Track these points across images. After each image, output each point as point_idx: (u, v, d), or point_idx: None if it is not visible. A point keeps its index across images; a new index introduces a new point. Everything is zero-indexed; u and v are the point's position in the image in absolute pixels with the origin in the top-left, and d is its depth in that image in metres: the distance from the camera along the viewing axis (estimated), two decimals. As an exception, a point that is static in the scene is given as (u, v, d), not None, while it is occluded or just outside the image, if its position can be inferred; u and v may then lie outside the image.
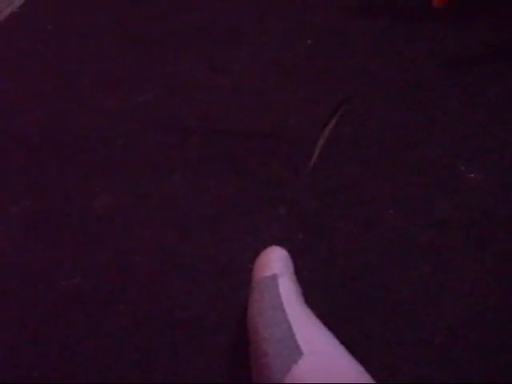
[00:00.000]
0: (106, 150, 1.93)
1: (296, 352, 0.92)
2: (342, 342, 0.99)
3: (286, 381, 0.89)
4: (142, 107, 2.07)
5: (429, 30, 2.22)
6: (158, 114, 2.03)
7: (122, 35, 2.51)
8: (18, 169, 1.93)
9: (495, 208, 1.52)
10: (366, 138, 1.79)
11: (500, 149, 1.68)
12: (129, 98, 2.13)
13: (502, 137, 1.72)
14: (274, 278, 1.11)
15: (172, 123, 1.99)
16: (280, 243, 1.37)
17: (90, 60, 2.40)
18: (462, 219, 1.50)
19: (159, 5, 2.65)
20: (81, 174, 1.86)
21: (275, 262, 1.18)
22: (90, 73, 2.32)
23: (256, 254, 1.32)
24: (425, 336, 1.29)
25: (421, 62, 2.06)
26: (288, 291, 1.09)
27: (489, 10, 2.24)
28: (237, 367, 1.27)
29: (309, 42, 2.22)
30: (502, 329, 1.28)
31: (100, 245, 1.62)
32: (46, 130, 2.05)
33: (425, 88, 1.95)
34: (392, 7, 2.36)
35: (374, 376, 0.93)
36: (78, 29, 2.63)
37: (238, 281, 1.41)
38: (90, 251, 1.61)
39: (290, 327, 0.98)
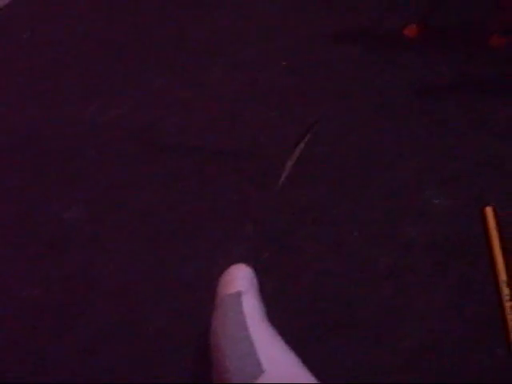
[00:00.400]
0: (79, 162, 1.93)
1: (257, 369, 0.93)
2: (304, 361, 1.00)
3: (247, 397, 0.90)
4: (117, 120, 2.07)
5: (400, 58, 2.26)
6: (132, 127, 2.04)
7: (99, 47, 2.51)
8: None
9: (458, 233, 1.55)
10: (334, 160, 1.82)
11: (465, 176, 1.72)
12: (103, 110, 2.13)
13: (467, 164, 1.76)
14: (238, 295, 1.12)
15: (145, 137, 1.99)
16: (246, 261, 1.37)
17: (65, 71, 2.40)
18: (425, 243, 1.53)
19: (136, 19, 2.66)
20: (53, 185, 1.85)
21: (240, 280, 1.19)
22: (65, 84, 2.32)
23: (222, 270, 1.33)
24: (386, 357, 1.30)
25: (391, 88, 2.10)
26: (251, 309, 1.10)
27: (456, 42, 2.31)
28: (199, 382, 1.28)
29: (284, 63, 2.25)
30: (462, 352, 1.30)
31: (68, 255, 1.62)
32: (19, 140, 2.04)
33: (394, 114, 1.99)
34: (366, 35, 2.41)
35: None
36: (54, 39, 2.63)
37: (204, 297, 1.39)
38: (57, 261, 1.60)
39: (251, 344, 0.99)
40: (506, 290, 1.40)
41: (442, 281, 1.44)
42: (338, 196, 1.69)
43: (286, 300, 1.42)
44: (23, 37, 2.62)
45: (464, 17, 2.43)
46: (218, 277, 1.31)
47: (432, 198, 1.65)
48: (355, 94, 2.08)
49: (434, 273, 1.46)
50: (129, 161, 1.90)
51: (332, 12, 2.56)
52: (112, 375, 1.32)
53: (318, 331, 1.36)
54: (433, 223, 1.59)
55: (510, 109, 1.95)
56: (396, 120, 1.96)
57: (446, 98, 2.04)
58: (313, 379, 0.95)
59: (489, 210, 1.59)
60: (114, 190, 1.80)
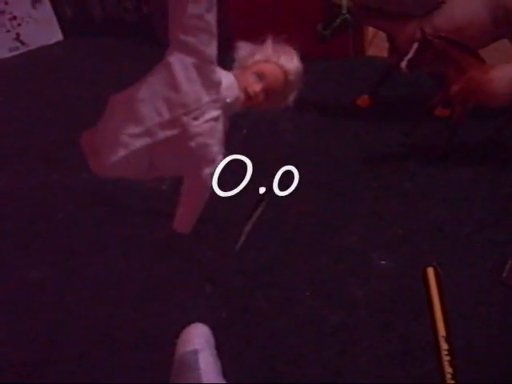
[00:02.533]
0: (46, 223, 2.01)
1: (211, 422, 1.01)
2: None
3: None
4: (87, 183, 2.15)
5: (353, 126, 2.43)
6: (101, 190, 2.12)
7: (71, 110, 2.62)
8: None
9: (401, 293, 1.67)
10: (288, 224, 1.94)
11: (409, 239, 1.86)
12: (74, 173, 2.20)
13: (411, 228, 1.90)
14: (195, 352, 1.20)
15: (112, 201, 2.08)
16: (205, 320, 1.46)
17: (38, 134, 2.50)
18: (370, 303, 1.65)
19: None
20: (19, 246, 1.92)
21: (197, 338, 1.27)
22: (37, 147, 2.42)
23: (182, 329, 1.42)
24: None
25: (343, 155, 2.25)
26: (207, 365, 1.18)
27: (404, 112, 2.48)
28: None
29: (244, 131, 2.38)
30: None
31: (32, 315, 1.68)
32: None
33: (345, 179, 2.13)
34: (320, 104, 2.57)
35: None
36: (26, 101, 2.74)
37: (164, 354, 1.46)
38: (20, 321, 1.66)
39: (207, 399, 1.07)
40: (444, 345, 1.50)
41: (385, 337, 1.55)
42: (291, 259, 1.80)
43: (241, 357, 1.51)
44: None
45: (411, 90, 2.63)
46: (177, 336, 1.39)
47: (378, 260, 1.78)
48: (309, 161, 2.22)
49: (377, 330, 1.57)
50: (95, 223, 1.99)
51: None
52: None
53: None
54: (378, 283, 1.70)
55: (451, 175, 2.11)
56: (346, 186, 2.10)
57: (393, 164, 2.20)
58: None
59: (430, 271, 1.71)
60: (79, 252, 1.88)
